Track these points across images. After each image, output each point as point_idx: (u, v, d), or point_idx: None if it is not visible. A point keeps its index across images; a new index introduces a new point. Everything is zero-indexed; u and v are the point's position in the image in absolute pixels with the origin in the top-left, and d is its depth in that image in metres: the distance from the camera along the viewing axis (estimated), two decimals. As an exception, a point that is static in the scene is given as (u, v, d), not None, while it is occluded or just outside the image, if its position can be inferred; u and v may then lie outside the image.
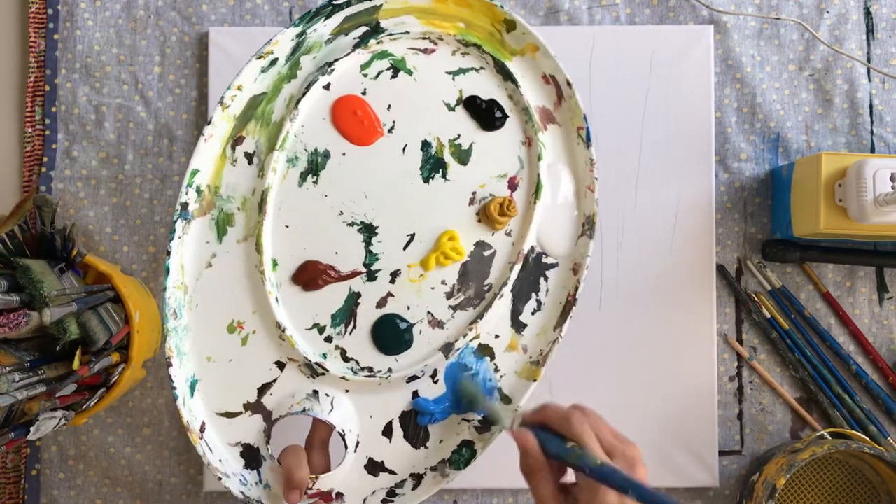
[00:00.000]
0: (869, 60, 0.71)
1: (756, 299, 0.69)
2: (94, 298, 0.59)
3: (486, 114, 0.53)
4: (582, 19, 0.70)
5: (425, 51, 0.54)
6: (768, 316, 0.69)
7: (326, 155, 0.53)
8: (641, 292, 0.68)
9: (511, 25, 0.54)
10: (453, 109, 0.54)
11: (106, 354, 0.59)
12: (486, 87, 0.54)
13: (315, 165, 0.53)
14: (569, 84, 0.54)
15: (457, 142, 0.54)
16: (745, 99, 0.70)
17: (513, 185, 0.54)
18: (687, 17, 0.70)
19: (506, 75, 0.54)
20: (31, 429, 0.55)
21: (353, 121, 0.53)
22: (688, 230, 0.68)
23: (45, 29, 0.70)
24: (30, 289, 0.56)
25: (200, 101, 0.70)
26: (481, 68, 0.54)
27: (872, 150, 0.70)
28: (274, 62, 0.53)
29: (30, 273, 0.56)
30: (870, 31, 0.71)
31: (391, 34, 0.53)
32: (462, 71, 0.54)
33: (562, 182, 0.54)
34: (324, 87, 0.53)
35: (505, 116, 0.54)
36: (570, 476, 0.46)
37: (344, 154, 0.53)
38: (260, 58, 0.52)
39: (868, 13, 0.71)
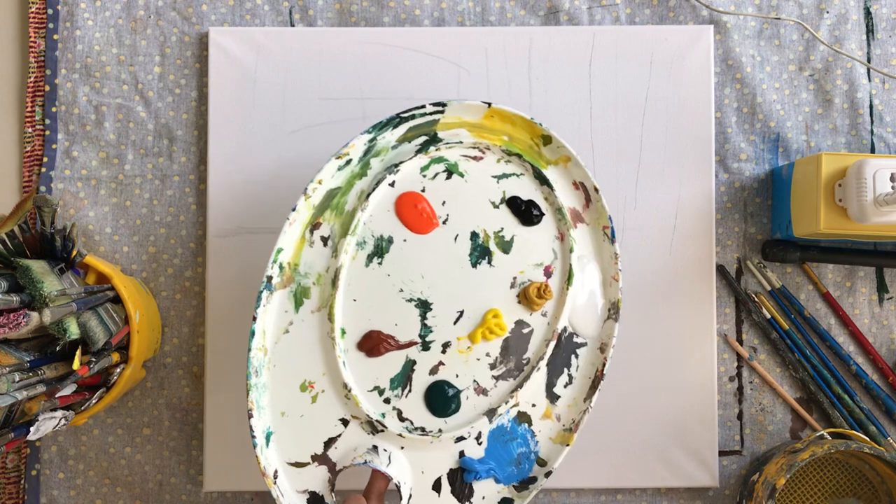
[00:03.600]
0: (869, 60, 0.70)
1: (756, 299, 0.69)
2: (94, 298, 0.59)
3: (525, 212, 0.61)
4: (582, 19, 0.70)
5: (475, 157, 0.61)
6: (768, 316, 0.69)
7: (390, 241, 0.60)
8: (641, 293, 0.68)
9: (547, 140, 0.61)
10: (497, 207, 0.61)
11: (106, 354, 0.59)
12: (525, 189, 0.61)
13: (380, 249, 0.59)
14: (596, 190, 0.61)
15: (500, 234, 0.60)
16: (745, 99, 0.70)
17: (548, 273, 0.60)
18: (687, 17, 0.70)
19: (542, 180, 0.61)
20: (31, 429, 0.55)
21: (414, 213, 0.60)
22: (688, 230, 0.68)
23: (45, 29, 0.70)
24: (30, 289, 0.56)
25: (200, 101, 0.70)
26: (522, 174, 0.61)
27: (872, 150, 0.70)
28: (349, 162, 0.60)
29: (30, 273, 0.56)
30: (870, 31, 0.71)
31: (447, 143, 0.61)
32: (505, 175, 0.61)
33: (590, 272, 0.61)
34: (389, 184, 0.60)
35: (541, 214, 0.61)
36: None
37: (405, 240, 0.60)
38: (338, 158, 0.59)
39: (868, 13, 0.71)
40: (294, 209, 0.58)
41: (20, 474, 0.68)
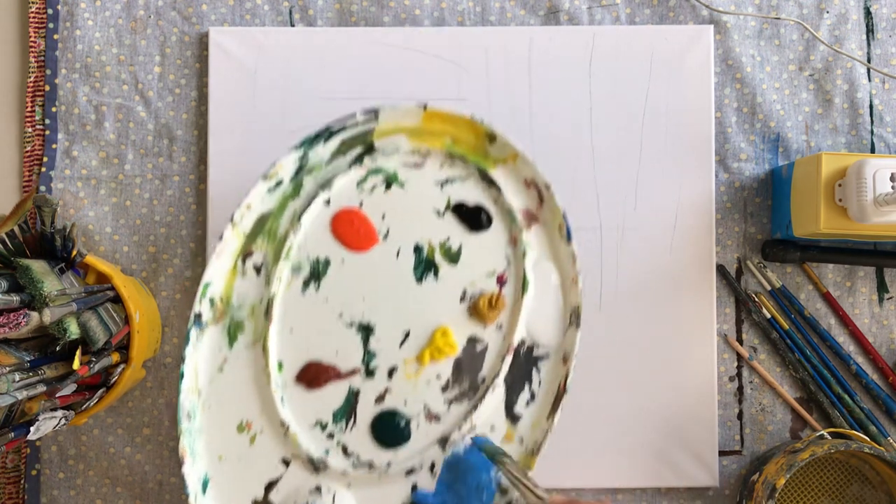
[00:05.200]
0: (869, 60, 0.71)
1: (756, 299, 0.69)
2: (94, 298, 0.59)
3: (472, 218, 0.58)
4: (582, 19, 0.70)
5: (415, 164, 0.58)
6: (768, 316, 0.69)
7: (327, 263, 0.57)
8: (641, 292, 0.68)
9: (492, 138, 0.58)
10: (442, 215, 0.58)
11: (106, 354, 0.59)
12: (471, 193, 0.58)
13: (317, 273, 0.57)
14: (547, 187, 0.57)
15: (446, 244, 0.57)
16: (745, 99, 0.70)
17: (501, 282, 0.57)
18: (687, 17, 0.70)
19: (489, 182, 0.58)
20: (31, 429, 0.55)
21: (351, 230, 0.57)
22: (688, 230, 0.68)
23: (45, 29, 0.70)
24: (30, 289, 0.56)
25: (200, 101, 0.70)
26: (467, 177, 0.58)
27: (872, 150, 0.70)
28: (279, 183, 0.57)
29: (30, 273, 0.56)
30: (870, 31, 0.71)
31: (384, 152, 0.58)
32: (449, 181, 0.58)
33: (548, 277, 0.58)
34: (324, 201, 0.57)
35: (490, 219, 0.58)
36: None
37: (343, 261, 0.57)
38: (266, 179, 0.56)
39: (868, 13, 0.71)
40: (220, 238, 0.55)
41: (20, 474, 0.68)
